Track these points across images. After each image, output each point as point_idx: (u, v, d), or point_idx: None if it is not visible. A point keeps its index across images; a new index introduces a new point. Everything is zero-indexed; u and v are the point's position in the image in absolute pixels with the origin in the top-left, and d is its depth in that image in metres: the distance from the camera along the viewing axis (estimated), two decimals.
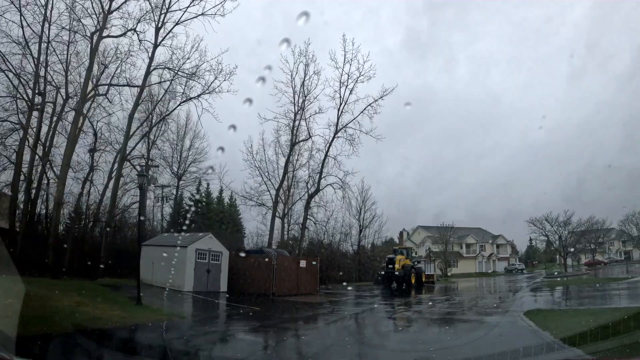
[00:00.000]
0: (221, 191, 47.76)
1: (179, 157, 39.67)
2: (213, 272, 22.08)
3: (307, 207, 37.98)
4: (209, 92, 26.08)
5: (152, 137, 32.05)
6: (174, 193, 40.74)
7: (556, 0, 77.54)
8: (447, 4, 79.59)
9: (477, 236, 66.74)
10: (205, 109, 26.73)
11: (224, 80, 26.09)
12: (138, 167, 29.87)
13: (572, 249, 42.12)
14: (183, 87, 27.74)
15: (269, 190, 38.04)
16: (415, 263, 35.23)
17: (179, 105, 27.99)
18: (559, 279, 32.64)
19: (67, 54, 24.03)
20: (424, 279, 34.06)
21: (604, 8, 71.01)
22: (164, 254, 21.17)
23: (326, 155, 38.15)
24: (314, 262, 25.57)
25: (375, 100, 35.88)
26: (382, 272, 32.24)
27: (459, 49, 79.15)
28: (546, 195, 77.45)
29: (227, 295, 20.82)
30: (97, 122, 27.93)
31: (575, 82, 70.44)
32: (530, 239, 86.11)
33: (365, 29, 75.43)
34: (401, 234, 62.59)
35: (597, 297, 16.97)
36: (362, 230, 46.38)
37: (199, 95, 26.30)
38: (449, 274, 53.15)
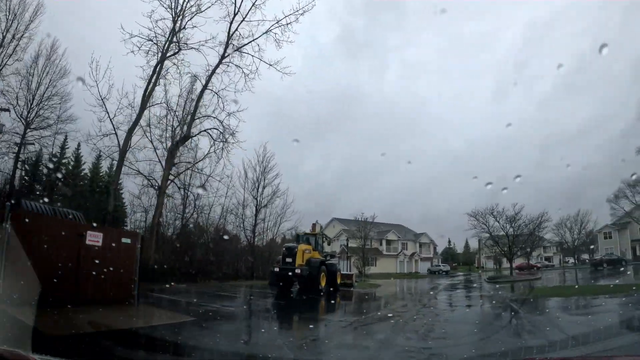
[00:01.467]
0: (99, 156, 33.22)
1: (31, 97, 26.38)
2: None
3: (170, 160, 24.20)
4: None
5: None
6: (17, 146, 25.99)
7: (492, 19, 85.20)
8: (386, 6, 79.33)
9: (399, 233, 58.24)
10: None
11: None
12: None
13: (518, 249, 34.24)
14: None
15: (115, 132, 23.37)
16: (328, 258, 23.60)
17: None
18: (518, 286, 23.43)
19: None
20: (339, 281, 22.61)
21: (535, 32, 76.28)
22: None
23: (205, 86, 24.90)
24: (125, 240, 12.31)
25: (287, 19, 23.86)
26: (276, 269, 20.07)
27: (393, 52, 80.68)
28: (461, 203, 76.98)
29: None
30: None
31: (499, 98, 76.35)
32: (449, 240, 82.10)
33: (300, 19, 68.42)
34: (314, 226, 51.68)
35: None
36: (259, 210, 33.70)
37: None
38: (366, 273, 43.00)
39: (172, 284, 21.17)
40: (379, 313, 13.00)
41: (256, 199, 33.62)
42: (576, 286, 18.87)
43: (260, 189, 33.74)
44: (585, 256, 52.26)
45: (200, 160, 26.50)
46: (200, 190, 31.93)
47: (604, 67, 61.41)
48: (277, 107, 60.51)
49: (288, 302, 16.01)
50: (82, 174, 35.68)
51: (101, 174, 37.86)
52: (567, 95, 68.79)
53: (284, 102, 57.90)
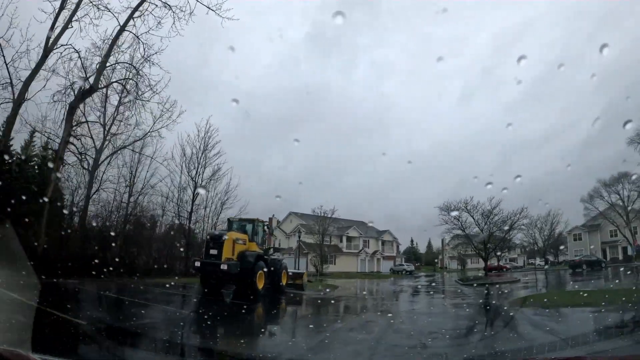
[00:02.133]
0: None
1: None
2: None
3: (70, 117, 18.24)
4: None
5: None
6: None
7: (463, 24, 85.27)
8: (360, 4, 76.40)
9: (361, 230, 54.01)
10: None
11: None
12: None
13: (492, 249, 30.73)
14: None
15: (11, 81, 17.14)
16: (272, 252, 18.55)
17: None
18: (501, 289, 19.47)
19: None
20: (285, 282, 17.68)
21: (505, 39, 76.42)
22: None
23: (123, 27, 19.18)
24: None
25: None
26: (198, 264, 14.79)
27: (363, 51, 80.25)
28: (426, 203, 75.43)
29: None
30: None
31: (465, 103, 74.66)
32: (412, 240, 79.15)
33: (274, 14, 69.50)
34: (270, 220, 46.67)
35: None
36: (196, 195, 28.00)
37: None
38: (324, 271, 38.40)
39: (68, 279, 15.75)
40: (326, 335, 8.13)
41: (194, 180, 27.97)
42: (581, 292, 14.90)
43: (199, 169, 28.12)
44: (551, 258, 50.37)
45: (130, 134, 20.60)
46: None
47: (568, 78, 61.07)
48: (244, 103, 55.81)
49: (201, 313, 10.79)
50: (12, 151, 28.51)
51: (34, 153, 30.71)
52: (533, 102, 68.27)
53: (250, 98, 53.27)
